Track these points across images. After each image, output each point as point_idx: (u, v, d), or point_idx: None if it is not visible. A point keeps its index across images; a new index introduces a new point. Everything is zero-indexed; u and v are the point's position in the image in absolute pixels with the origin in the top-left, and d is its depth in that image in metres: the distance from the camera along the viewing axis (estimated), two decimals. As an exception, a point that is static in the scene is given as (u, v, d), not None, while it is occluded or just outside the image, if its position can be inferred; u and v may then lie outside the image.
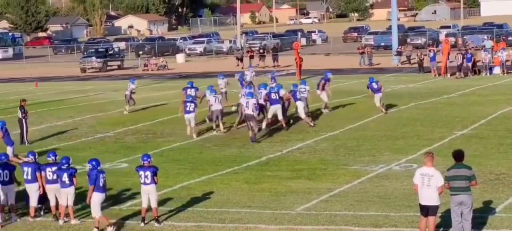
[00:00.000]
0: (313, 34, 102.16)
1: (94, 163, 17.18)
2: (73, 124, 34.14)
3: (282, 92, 30.58)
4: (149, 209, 17.45)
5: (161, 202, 18.71)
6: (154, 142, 28.72)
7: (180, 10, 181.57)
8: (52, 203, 18.18)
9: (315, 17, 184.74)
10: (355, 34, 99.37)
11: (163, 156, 25.55)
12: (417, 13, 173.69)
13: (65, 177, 17.68)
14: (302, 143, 27.14)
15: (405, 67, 58.35)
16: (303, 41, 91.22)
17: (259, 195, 19.83)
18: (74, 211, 17.91)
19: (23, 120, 29.21)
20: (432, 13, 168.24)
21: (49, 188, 18.12)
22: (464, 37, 73.80)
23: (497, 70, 49.20)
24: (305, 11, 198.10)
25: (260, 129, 28.51)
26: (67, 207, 17.84)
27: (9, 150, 24.69)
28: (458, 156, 15.59)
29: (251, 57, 65.27)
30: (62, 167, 17.81)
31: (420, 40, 77.89)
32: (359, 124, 30.83)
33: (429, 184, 15.26)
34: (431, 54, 50.99)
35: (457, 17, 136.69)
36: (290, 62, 60.95)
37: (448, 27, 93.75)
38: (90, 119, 35.86)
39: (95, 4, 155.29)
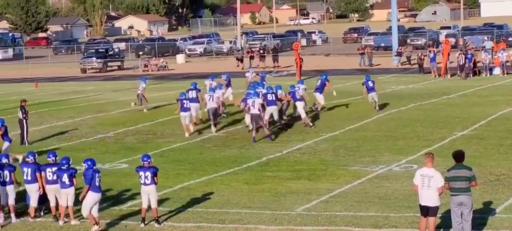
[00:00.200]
0: (313, 34, 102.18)
1: (89, 162, 17.20)
2: (73, 125, 34.15)
3: (280, 93, 30.61)
4: (149, 209, 17.45)
5: (161, 203, 18.72)
6: (154, 142, 28.73)
7: (180, 10, 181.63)
8: (52, 204, 18.18)
9: (313, 18, 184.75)
10: (355, 34, 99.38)
11: (163, 157, 25.55)
12: (416, 15, 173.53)
13: (65, 178, 17.68)
14: (302, 143, 27.15)
15: (405, 68, 58.34)
16: (303, 41, 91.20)
17: (259, 196, 19.84)
18: (74, 211, 17.90)
19: (24, 120, 29.22)
20: (432, 13, 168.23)
21: (49, 188, 18.12)
22: (464, 38, 73.81)
23: (497, 71, 49.19)
24: (305, 12, 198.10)
25: (260, 128, 28.44)
26: (67, 207, 17.85)
27: (5, 145, 24.80)
28: (459, 156, 15.58)
29: (251, 57, 65.21)
30: (62, 167, 17.81)
31: (420, 41, 77.90)
32: (359, 124, 30.83)
33: (429, 185, 15.26)
34: (431, 55, 51.02)
35: (457, 18, 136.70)
36: (290, 63, 60.96)
37: (448, 28, 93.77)
38: (90, 119, 35.86)
39: (95, 4, 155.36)
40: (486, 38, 72.02)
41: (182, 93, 31.03)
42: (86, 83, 56.93)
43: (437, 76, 49.02)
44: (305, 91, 31.70)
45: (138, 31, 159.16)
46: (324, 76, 34.43)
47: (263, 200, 19.35)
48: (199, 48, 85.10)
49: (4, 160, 18.34)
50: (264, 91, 30.18)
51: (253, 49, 71.42)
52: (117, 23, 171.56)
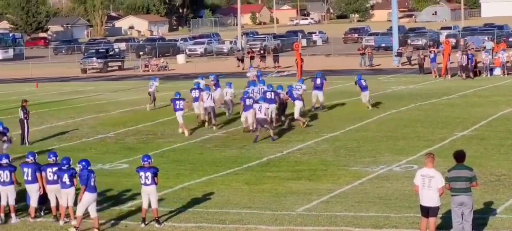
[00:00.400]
0: (313, 35, 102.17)
1: (84, 163, 17.22)
2: (73, 125, 34.15)
3: (282, 95, 30.71)
4: (149, 209, 17.44)
5: (162, 203, 18.72)
6: (155, 142, 28.73)
7: (180, 11, 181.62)
8: (53, 204, 18.19)
9: (311, 18, 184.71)
10: (356, 35, 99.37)
11: (163, 157, 25.55)
12: (416, 15, 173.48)
13: (65, 178, 17.68)
14: (302, 143, 27.15)
15: (405, 68, 58.32)
16: (304, 42, 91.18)
17: (259, 196, 19.84)
18: (74, 211, 17.89)
19: (25, 120, 29.22)
20: (433, 14, 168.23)
21: (49, 188, 18.13)
22: (465, 38, 73.80)
23: (497, 71, 49.18)
24: (305, 12, 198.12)
25: (257, 129, 28.43)
26: (67, 207, 17.85)
27: (5, 145, 24.87)
28: (459, 157, 15.58)
29: (252, 58, 65.20)
30: (63, 167, 17.82)
31: (421, 41, 77.88)
32: (359, 124, 30.83)
33: (429, 185, 15.25)
34: (432, 55, 51.02)
35: (458, 18, 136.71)
36: (290, 63, 60.94)
37: (449, 28, 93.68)
38: (91, 119, 35.87)
39: (96, 4, 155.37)
40: (486, 38, 71.94)
41: (177, 93, 31.17)
42: (86, 83, 56.92)
43: (437, 76, 49.01)
44: (303, 91, 31.74)
45: (139, 32, 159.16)
46: (319, 75, 34.77)
47: (263, 200, 19.35)
48: (200, 49, 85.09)
49: (4, 160, 18.34)
50: (265, 88, 30.29)
51: (253, 49, 71.43)
52: (118, 23, 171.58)
